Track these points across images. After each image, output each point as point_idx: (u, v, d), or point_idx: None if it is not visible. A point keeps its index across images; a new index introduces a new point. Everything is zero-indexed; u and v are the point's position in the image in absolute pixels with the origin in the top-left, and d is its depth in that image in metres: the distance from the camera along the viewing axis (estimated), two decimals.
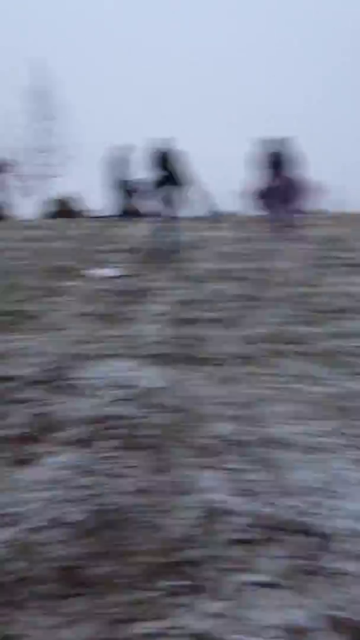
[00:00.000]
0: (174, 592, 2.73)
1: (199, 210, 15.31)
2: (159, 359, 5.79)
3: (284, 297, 7.60)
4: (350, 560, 2.94)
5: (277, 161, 11.99)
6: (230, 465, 3.87)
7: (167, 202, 12.17)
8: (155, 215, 12.68)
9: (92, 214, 15.90)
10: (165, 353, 5.92)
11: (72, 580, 2.79)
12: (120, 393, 4.97)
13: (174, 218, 12.34)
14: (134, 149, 14.58)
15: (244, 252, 10.20)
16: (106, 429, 4.36)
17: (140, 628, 2.50)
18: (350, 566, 2.89)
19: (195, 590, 2.75)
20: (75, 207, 15.99)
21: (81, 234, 12.14)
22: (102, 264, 9.59)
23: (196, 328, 6.64)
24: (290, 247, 10.30)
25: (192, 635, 2.44)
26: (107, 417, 4.54)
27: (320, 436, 4.14)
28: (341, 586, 2.74)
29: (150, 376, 5.35)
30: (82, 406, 4.70)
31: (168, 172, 12.34)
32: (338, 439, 4.11)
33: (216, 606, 2.63)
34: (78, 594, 2.70)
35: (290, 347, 5.89)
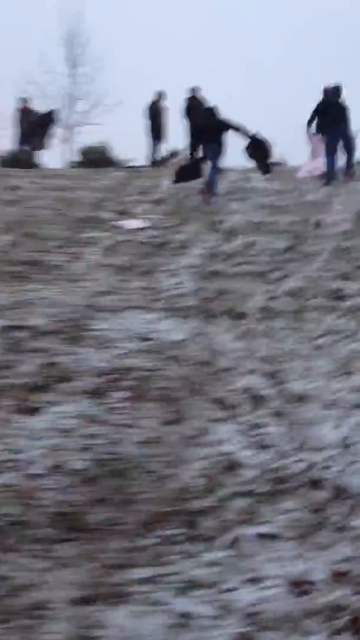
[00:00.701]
0: (171, 541, 2.79)
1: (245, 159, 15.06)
2: (181, 311, 5.81)
3: (322, 250, 7.50)
4: (358, 516, 2.96)
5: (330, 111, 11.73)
6: (245, 418, 3.90)
7: (208, 151, 12.02)
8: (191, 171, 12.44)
9: (124, 163, 15.82)
10: (188, 306, 5.93)
11: (67, 526, 2.88)
12: (137, 345, 5.01)
13: (215, 167, 12.19)
14: (167, 96, 14.45)
15: (286, 204, 10.07)
16: (118, 380, 4.42)
17: (134, 574, 2.57)
18: (358, 521, 2.92)
19: (194, 539, 2.81)
20: (108, 155, 15.93)
21: (110, 184, 12.12)
22: (129, 214, 9.60)
23: (222, 281, 6.63)
24: (338, 199, 10.14)
25: (185, 581, 2.50)
26: (121, 369, 4.60)
27: (341, 392, 4.13)
28: (346, 540, 2.76)
29: (169, 329, 5.38)
30: (95, 357, 4.76)
31: (209, 122, 12.17)
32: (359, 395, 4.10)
33: (214, 555, 2.68)
34: (72, 539, 2.79)
35: (320, 301, 5.84)
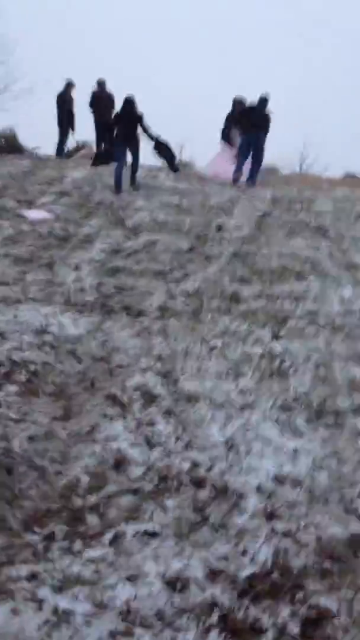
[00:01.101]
0: (54, 537, 2.79)
1: (157, 157, 15.12)
2: (80, 306, 5.78)
3: (222, 253, 7.62)
4: (241, 515, 3.05)
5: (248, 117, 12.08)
6: (136, 416, 3.93)
7: (119, 145, 12.01)
8: (105, 157, 12.46)
9: (31, 152, 15.45)
10: (87, 301, 5.90)
11: None
12: (32, 338, 4.94)
13: (122, 162, 12.19)
14: (75, 85, 14.21)
15: (191, 205, 10.15)
16: (11, 373, 4.35)
17: (16, 571, 2.55)
18: (240, 520, 3.01)
19: (78, 536, 2.82)
20: (14, 142, 15.53)
21: (15, 172, 11.84)
22: (33, 204, 9.42)
23: (124, 278, 6.62)
24: (240, 204, 10.31)
25: (66, 577, 2.50)
26: (14, 362, 4.52)
27: (230, 394, 4.23)
28: (224, 539, 2.85)
29: (67, 323, 5.34)
30: None
31: (122, 115, 12.14)
32: (250, 397, 4.21)
33: (95, 552, 2.71)
34: None
35: (217, 303, 5.95)
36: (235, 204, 10.41)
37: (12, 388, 4.17)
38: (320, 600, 2.52)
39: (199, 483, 3.28)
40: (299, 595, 2.55)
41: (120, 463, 3.42)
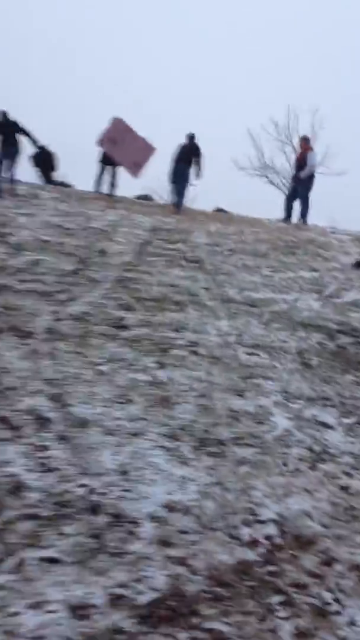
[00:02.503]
0: None
1: (41, 177, 15.08)
2: None
3: (106, 278, 7.69)
4: (136, 542, 3.12)
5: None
6: (30, 440, 3.90)
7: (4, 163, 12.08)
8: None
9: None
10: None
11: None
12: None
13: (10, 179, 12.17)
14: None
15: (75, 227, 10.14)
16: None
17: None
18: (135, 547, 3.08)
19: None
20: None
21: None
22: None
23: (8, 296, 6.51)
24: (123, 230, 10.44)
25: None
26: None
27: (122, 420, 4.30)
28: (125, 565, 2.91)
29: None
30: None
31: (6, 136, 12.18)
32: (139, 423, 4.30)
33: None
34: None
35: (104, 328, 6.00)
36: (116, 229, 10.52)
37: None
38: (214, 624, 2.64)
39: (94, 509, 3.32)
40: (195, 620, 2.65)
41: (17, 488, 3.39)
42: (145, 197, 20.20)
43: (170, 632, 2.55)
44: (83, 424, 4.19)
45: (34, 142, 12.89)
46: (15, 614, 2.49)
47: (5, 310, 6.18)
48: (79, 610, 2.58)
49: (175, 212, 13.70)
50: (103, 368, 5.12)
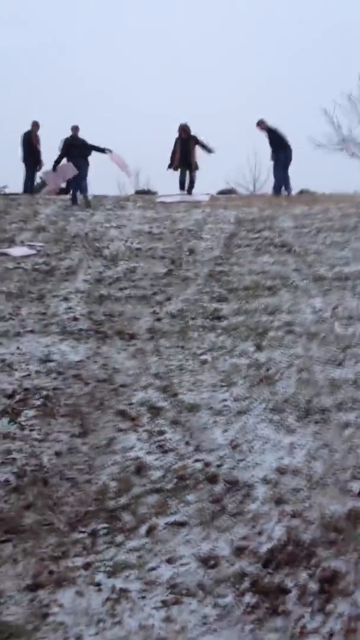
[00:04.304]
0: (97, 534, 3.18)
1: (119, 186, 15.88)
2: (75, 334, 6.16)
3: (198, 275, 8.09)
4: (253, 503, 3.46)
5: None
6: (146, 427, 4.33)
7: (79, 178, 12.90)
8: (66, 191, 13.57)
9: (1, 191, 15.91)
10: (81, 329, 6.29)
11: (2, 529, 3.18)
12: (38, 367, 5.32)
13: (85, 194, 12.93)
14: (39, 124, 14.79)
15: (164, 231, 10.62)
16: (26, 399, 4.72)
17: (71, 563, 2.93)
18: (253, 507, 3.42)
19: (117, 531, 3.21)
20: None
21: None
22: (13, 242, 9.79)
23: (110, 304, 7.03)
24: (209, 226, 10.82)
25: (115, 564, 2.89)
26: (27, 389, 4.89)
27: (228, 401, 4.65)
28: (245, 522, 3.26)
29: (66, 350, 5.72)
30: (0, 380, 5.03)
31: (79, 149, 12.98)
32: (244, 402, 4.64)
33: (135, 542, 3.09)
34: (10, 540, 3.10)
35: (201, 321, 6.39)
36: (202, 227, 10.91)
37: (30, 412, 4.55)
38: (331, 563, 2.94)
39: (212, 479, 3.69)
40: (313, 561, 2.96)
41: (140, 469, 3.81)
42: (229, 192, 20.55)
43: (291, 572, 2.87)
44: (192, 408, 4.58)
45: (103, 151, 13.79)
46: (153, 568, 2.89)
47: (109, 317, 6.68)
48: (207, 561, 2.95)
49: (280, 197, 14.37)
50: (205, 357, 5.49)
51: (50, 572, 2.81)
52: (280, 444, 4.08)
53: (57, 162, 13.37)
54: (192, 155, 14.60)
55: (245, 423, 4.35)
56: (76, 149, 13.28)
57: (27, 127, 14.81)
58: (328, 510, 3.37)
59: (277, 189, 15.06)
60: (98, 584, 2.74)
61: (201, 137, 14.71)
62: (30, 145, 14.63)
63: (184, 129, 14.59)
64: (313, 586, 2.79)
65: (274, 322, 6.37)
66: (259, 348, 5.69)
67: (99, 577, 2.79)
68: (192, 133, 14.65)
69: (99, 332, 6.22)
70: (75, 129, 13.55)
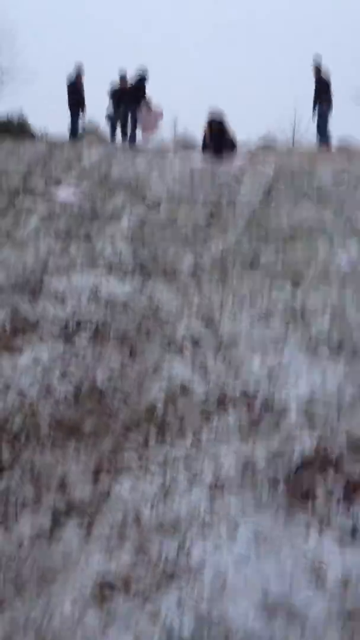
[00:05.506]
0: (150, 437, 3.61)
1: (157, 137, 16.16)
2: (121, 272, 6.54)
3: (238, 220, 8.37)
4: (286, 422, 3.86)
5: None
6: (191, 358, 4.72)
7: (123, 126, 13.17)
8: (112, 138, 13.83)
9: (43, 135, 16.17)
10: (126, 266, 6.66)
11: (67, 432, 3.63)
12: (88, 300, 5.72)
13: (132, 142, 13.23)
14: (84, 69, 14.93)
15: (201, 179, 10.86)
16: (76, 329, 5.14)
17: (128, 457, 3.38)
18: (286, 426, 3.82)
19: (167, 436, 3.64)
20: (26, 128, 16.22)
21: (34, 156, 12.52)
22: (59, 185, 10.12)
23: (153, 246, 7.36)
24: (246, 176, 11.04)
25: (165, 460, 3.32)
26: (79, 319, 5.31)
27: (263, 335, 5.02)
28: (278, 434, 3.66)
29: (114, 286, 6.11)
30: (55, 310, 5.44)
31: (126, 98, 13.24)
32: (280, 337, 5.00)
33: (183, 445, 3.52)
34: (75, 440, 3.55)
35: (241, 264, 6.71)
36: (242, 177, 11.12)
37: (84, 339, 4.96)
38: (355, 474, 3.33)
39: (250, 403, 4.08)
40: (339, 472, 3.36)
41: (185, 391, 4.22)
42: (270, 141, 20.58)
43: (319, 479, 3.27)
44: (232, 341, 4.96)
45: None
46: (199, 466, 3.31)
47: (153, 258, 7.04)
48: (247, 464, 3.36)
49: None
50: (243, 295, 5.85)
51: (110, 462, 3.26)
52: (313, 374, 4.45)
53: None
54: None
55: (281, 354, 4.72)
56: (126, 96, 13.62)
57: (71, 72, 14.98)
58: (356, 433, 3.75)
59: (320, 140, 15.14)
60: (153, 474, 3.18)
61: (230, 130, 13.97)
62: (75, 90, 14.81)
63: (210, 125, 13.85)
64: (338, 492, 3.19)
65: (310, 268, 6.68)
66: (295, 290, 6.03)
67: (153, 467, 3.23)
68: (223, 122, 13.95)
69: (143, 270, 6.59)
70: (123, 78, 13.84)
